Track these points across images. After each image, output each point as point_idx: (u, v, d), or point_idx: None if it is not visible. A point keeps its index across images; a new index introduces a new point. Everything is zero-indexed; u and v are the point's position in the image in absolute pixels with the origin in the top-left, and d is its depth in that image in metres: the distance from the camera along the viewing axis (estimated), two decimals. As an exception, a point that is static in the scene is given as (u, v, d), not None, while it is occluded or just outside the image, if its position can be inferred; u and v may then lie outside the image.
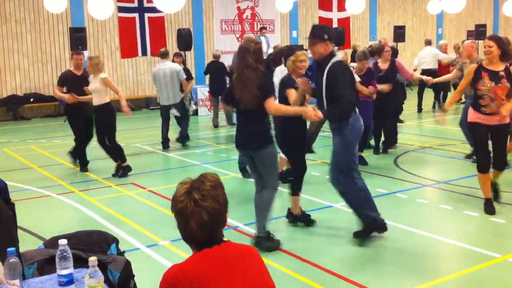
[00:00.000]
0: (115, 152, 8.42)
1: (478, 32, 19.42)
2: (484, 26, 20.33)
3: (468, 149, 8.86)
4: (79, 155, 8.87)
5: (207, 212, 2.19)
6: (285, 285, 4.41)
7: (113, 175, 8.34)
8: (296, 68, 5.84)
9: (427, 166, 8.69)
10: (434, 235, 5.53)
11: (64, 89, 8.63)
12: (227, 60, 14.82)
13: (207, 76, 13.77)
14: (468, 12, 23.38)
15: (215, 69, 13.13)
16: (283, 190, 6.62)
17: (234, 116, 8.35)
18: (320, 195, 6.98)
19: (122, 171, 8.35)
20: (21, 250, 3.32)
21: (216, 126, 13.17)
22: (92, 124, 8.56)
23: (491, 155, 6.17)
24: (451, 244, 5.34)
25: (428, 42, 15.11)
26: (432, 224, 5.93)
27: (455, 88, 9.53)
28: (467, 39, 18.79)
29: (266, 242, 5.21)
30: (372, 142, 9.52)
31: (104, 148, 8.44)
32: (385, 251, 5.20)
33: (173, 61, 11.34)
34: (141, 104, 17.37)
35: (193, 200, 2.20)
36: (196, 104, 15.57)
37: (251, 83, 4.90)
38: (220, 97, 10.86)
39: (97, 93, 8.15)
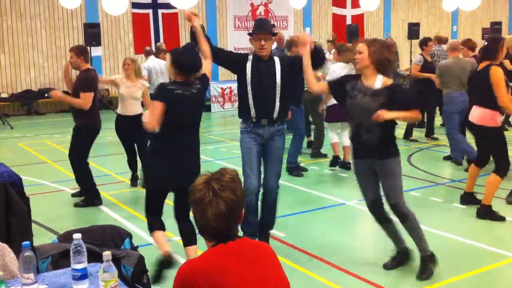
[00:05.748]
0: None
1: (493, 30, 19.22)
2: (500, 23, 20.13)
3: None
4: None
5: (225, 203, 2.19)
6: (300, 283, 4.40)
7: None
8: None
9: (440, 164, 8.61)
10: (447, 234, 5.50)
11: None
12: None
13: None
14: (484, 10, 23.13)
15: None
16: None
17: None
18: (332, 192, 6.98)
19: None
20: (36, 244, 3.35)
21: None
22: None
23: None
24: (464, 243, 5.30)
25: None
26: (445, 222, 5.88)
27: None
28: (483, 37, 18.70)
29: None
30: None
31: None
32: (398, 249, 5.16)
33: (157, 57, 10.50)
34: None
35: (212, 190, 2.20)
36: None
37: None
38: None
39: (138, 100, 7.37)
